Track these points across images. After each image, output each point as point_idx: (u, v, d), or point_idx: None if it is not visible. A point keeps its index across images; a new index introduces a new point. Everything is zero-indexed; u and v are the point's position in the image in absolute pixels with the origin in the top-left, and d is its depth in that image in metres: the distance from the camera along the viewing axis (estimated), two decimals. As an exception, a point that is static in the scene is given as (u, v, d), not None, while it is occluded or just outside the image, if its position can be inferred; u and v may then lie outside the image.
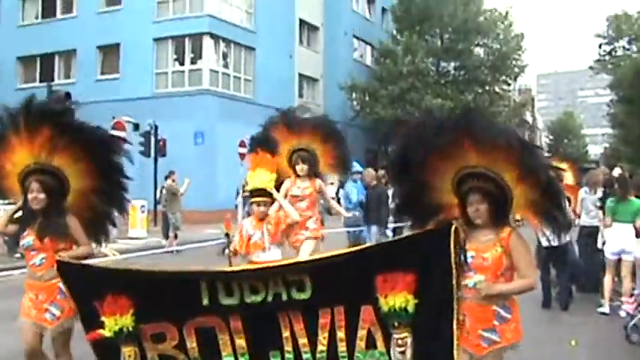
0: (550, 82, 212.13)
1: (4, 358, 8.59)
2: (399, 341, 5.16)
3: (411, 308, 5.06)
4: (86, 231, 6.52)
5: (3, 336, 9.09)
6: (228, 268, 6.30)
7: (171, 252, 20.42)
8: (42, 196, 6.24)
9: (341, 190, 23.22)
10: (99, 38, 40.06)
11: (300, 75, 48.47)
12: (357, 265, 5.33)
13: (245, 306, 5.47)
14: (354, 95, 50.90)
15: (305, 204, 9.83)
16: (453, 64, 53.09)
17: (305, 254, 9.41)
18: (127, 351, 5.53)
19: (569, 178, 15.11)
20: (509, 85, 56.97)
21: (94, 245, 6.78)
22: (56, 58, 43.08)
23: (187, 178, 23.35)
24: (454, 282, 5.03)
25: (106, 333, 5.50)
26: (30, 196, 6.26)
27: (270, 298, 5.45)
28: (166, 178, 24.13)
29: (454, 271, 5.03)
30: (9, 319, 7.24)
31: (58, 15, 42.99)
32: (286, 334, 5.50)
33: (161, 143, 30.51)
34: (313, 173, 10.02)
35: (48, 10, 43.23)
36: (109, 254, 20.96)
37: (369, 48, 55.29)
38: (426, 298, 5.08)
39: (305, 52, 49.10)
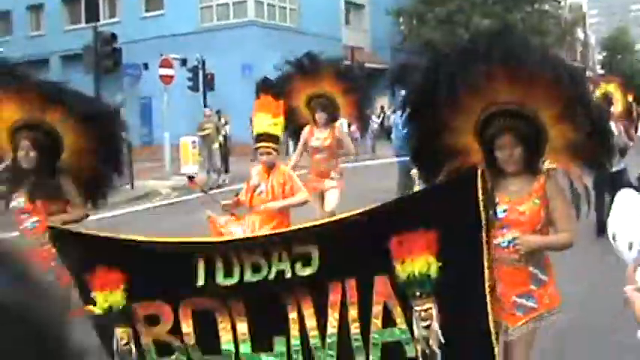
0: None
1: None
2: (423, 314, 4.26)
3: (433, 273, 4.20)
4: (82, 193, 6.09)
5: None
6: (226, 238, 5.73)
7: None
8: (33, 153, 5.74)
9: (392, 117, 22.84)
10: (141, -25, 39.80)
11: (346, 2, 47.95)
12: (367, 228, 4.55)
13: (245, 286, 4.79)
14: (401, 20, 50.13)
15: (324, 155, 9.44)
16: (501, -18, 51.90)
17: (332, 204, 9.17)
18: (121, 332, 4.92)
19: (617, 97, 14.48)
20: (559, 2, 55.52)
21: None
22: (100, -3, 43.05)
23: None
24: (484, 238, 4.23)
25: (97, 310, 4.88)
26: (20, 154, 5.75)
27: (272, 276, 4.73)
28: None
29: (484, 224, 4.22)
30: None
31: (101, -46, 42.82)
32: (293, 314, 4.78)
33: (209, 77, 30.51)
34: (333, 120, 9.59)
35: (90, -50, 43.12)
36: (163, 192, 21.17)
37: (414, -30, 54.17)
38: (450, 260, 4.25)
39: (349, -23, 48.37)
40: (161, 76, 27.49)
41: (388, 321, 4.55)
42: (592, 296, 8.65)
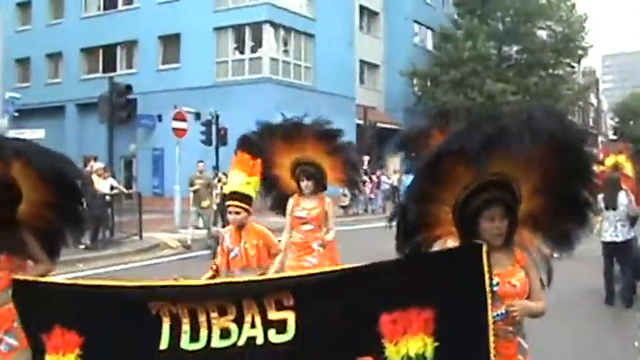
0: (615, 62, 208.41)
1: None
2: None
3: (429, 354, 3.88)
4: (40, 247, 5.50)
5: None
6: (197, 282, 5.16)
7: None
8: None
9: (405, 179, 22.70)
10: (160, 28, 40.43)
11: (361, 61, 48.36)
12: (354, 298, 4.16)
13: (210, 353, 4.37)
14: (415, 81, 50.55)
15: (311, 226, 8.50)
16: (515, 47, 52.33)
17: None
18: None
19: (628, 168, 14.53)
20: (572, 67, 55.90)
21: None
22: (118, 48, 43.69)
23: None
24: (489, 315, 3.92)
25: None
26: None
27: (242, 342, 4.33)
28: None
29: (489, 301, 3.91)
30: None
31: (120, 6, 43.52)
32: None
33: (222, 132, 30.60)
34: (320, 189, 8.64)
35: (110, 2, 43.85)
36: (172, 245, 21.08)
37: (429, 32, 54.62)
38: (448, 339, 3.91)
39: (365, 38, 48.93)
40: (174, 129, 27.64)
41: None
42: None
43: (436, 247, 4.42)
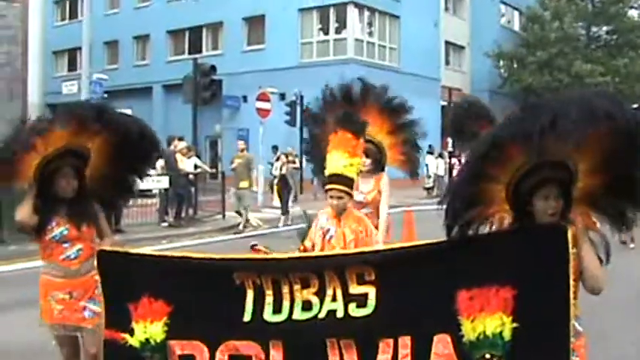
0: None
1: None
2: None
3: (507, 333, 3.80)
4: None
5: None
6: (281, 255, 5.01)
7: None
8: (75, 182, 5.38)
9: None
10: (245, 10, 40.69)
11: (446, 42, 47.82)
12: (433, 274, 4.19)
13: (291, 325, 4.43)
14: (501, 62, 49.73)
15: (369, 210, 7.81)
16: (604, 27, 50.86)
17: None
18: None
19: None
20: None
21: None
22: (204, 30, 44.13)
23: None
24: (571, 297, 3.82)
25: (132, 341, 4.62)
26: (62, 182, 5.33)
27: (322, 315, 4.39)
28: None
29: (571, 282, 3.82)
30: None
31: (206, -12, 43.85)
32: None
33: (306, 113, 30.64)
34: (380, 169, 8.12)
35: (196, -16, 44.21)
36: (254, 223, 21.21)
37: (516, 13, 53.62)
38: (528, 320, 3.83)
39: (451, 18, 48.32)
40: (258, 110, 27.84)
41: None
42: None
43: (491, 226, 4.33)
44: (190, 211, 21.47)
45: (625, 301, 10.44)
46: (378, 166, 8.06)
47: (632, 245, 14.04)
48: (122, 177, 5.76)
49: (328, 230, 6.04)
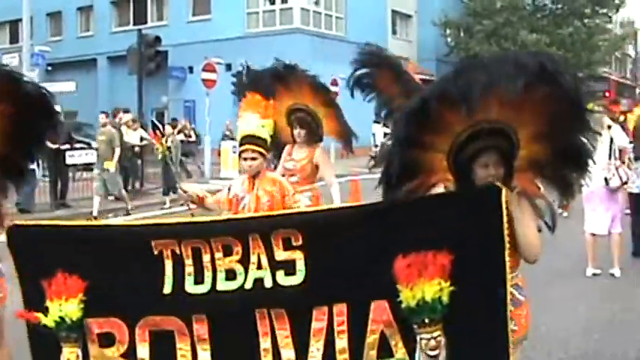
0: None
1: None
2: (432, 342, 3.73)
3: (445, 298, 3.68)
4: None
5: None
6: (201, 218, 4.81)
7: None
8: None
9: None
10: (190, -21, 40.14)
11: (393, 11, 47.73)
12: (366, 235, 4.06)
13: (215, 296, 4.26)
14: (447, 31, 49.87)
15: (296, 179, 7.80)
16: (549, -4, 51.30)
17: None
18: (68, 353, 4.22)
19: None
20: (609, 18, 54.50)
21: None
22: (148, 1, 43.57)
23: None
24: (506, 259, 3.81)
25: (47, 321, 4.22)
26: None
27: (249, 285, 4.21)
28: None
29: (506, 244, 3.79)
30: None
31: (150, -43, 43.30)
32: (266, 344, 4.23)
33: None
34: (315, 140, 8.06)
35: (140, -47, 43.63)
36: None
37: (463, -18, 53.83)
38: (465, 284, 3.72)
39: (397, -13, 48.22)
40: (203, 80, 27.62)
41: (385, 352, 4.08)
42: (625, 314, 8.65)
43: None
44: (137, 185, 21.25)
45: (569, 270, 10.69)
46: (313, 136, 8.02)
47: (565, 214, 13.82)
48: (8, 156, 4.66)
49: (243, 198, 5.89)
